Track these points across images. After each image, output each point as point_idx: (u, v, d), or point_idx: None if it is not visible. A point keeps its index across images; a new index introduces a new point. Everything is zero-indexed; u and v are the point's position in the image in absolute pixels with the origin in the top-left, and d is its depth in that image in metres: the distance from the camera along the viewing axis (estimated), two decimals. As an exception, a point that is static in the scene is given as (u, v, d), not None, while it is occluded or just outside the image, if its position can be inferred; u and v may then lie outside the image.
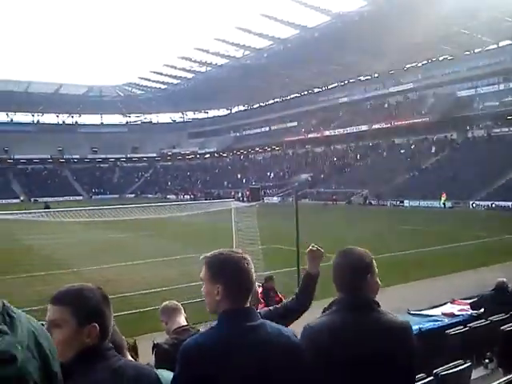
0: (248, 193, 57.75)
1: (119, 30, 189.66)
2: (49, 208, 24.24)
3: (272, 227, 20.60)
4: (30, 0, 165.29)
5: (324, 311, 2.39)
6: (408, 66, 64.37)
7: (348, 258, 2.24)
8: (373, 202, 46.18)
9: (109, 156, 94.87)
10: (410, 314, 7.82)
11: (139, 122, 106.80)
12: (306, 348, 2.02)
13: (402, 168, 50.77)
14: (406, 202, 43.17)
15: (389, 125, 59.48)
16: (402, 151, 56.36)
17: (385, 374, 2.08)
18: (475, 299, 7.37)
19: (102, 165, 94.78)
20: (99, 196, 78.43)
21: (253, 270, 1.98)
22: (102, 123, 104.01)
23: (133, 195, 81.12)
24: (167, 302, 3.63)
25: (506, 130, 48.71)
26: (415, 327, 6.75)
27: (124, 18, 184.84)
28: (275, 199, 55.09)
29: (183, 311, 3.58)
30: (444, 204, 39.02)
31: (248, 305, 1.98)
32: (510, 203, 35.84)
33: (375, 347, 2.07)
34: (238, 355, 1.79)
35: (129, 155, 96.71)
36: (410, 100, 63.01)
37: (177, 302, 3.63)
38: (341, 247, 2.33)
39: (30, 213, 17.72)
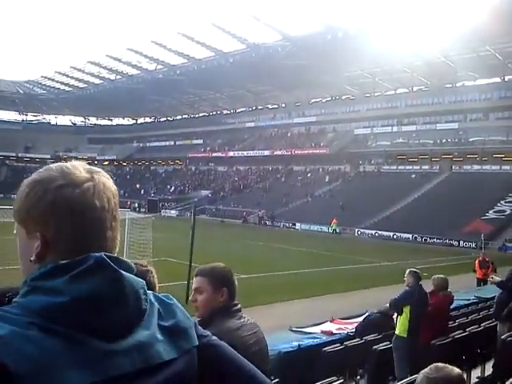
0: (145, 204, 56.47)
1: (27, 25, 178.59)
2: None
3: (166, 240, 20.29)
4: None
5: None
6: (313, 100, 67.78)
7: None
8: (267, 222, 47.48)
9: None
10: (291, 330, 8.06)
11: (36, 122, 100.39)
12: None
13: (297, 193, 52.87)
14: (298, 225, 44.93)
15: (289, 152, 61.95)
16: (299, 178, 58.73)
17: None
18: (361, 323, 7.65)
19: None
20: (-19, 194, 71.96)
21: (155, 284, 2.06)
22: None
23: (20, 197, 75.32)
24: None
25: (395, 167, 52.98)
26: (295, 343, 6.95)
27: (34, 13, 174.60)
28: (173, 212, 54.42)
29: None
30: (334, 230, 41.03)
31: None
32: (391, 233, 38.70)
33: None
34: None
35: (20, 154, 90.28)
36: (312, 132, 66.11)
37: None
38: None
39: None
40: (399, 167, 52.80)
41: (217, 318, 2.27)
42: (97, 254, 0.85)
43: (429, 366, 2.37)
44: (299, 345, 6.90)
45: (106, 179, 0.96)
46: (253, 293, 13.26)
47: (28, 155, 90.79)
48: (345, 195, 47.34)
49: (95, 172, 0.94)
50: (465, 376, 6.30)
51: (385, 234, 38.95)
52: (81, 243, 0.87)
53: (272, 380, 4.70)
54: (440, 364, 2.40)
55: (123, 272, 0.87)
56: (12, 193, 76.92)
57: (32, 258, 0.87)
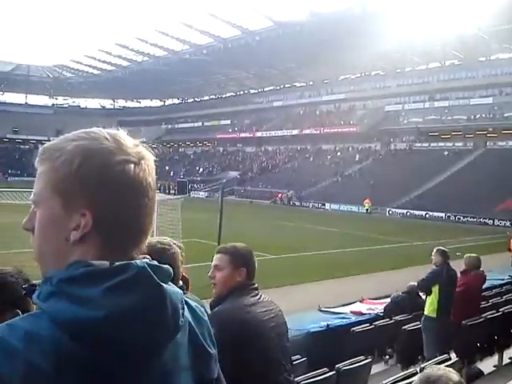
0: (175, 185, 57.04)
1: (55, 9, 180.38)
2: None
3: (195, 221, 20.47)
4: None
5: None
6: (342, 77, 66.57)
7: None
8: (296, 203, 47.34)
9: (30, 137, 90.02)
10: (320, 310, 8.05)
11: (66, 106, 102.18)
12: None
13: (326, 173, 52.38)
14: (328, 205, 44.59)
15: (318, 131, 61.25)
16: (328, 157, 58.13)
17: None
18: (389, 303, 7.62)
19: (21, 146, 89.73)
20: (16, 178, 74.14)
21: (178, 263, 2.06)
22: (26, 103, 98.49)
23: (53, 179, 77.34)
24: None
25: (427, 145, 51.78)
26: (323, 323, 6.93)
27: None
28: (202, 194, 54.83)
29: None
30: (367, 210, 40.61)
31: None
32: (423, 212, 38.01)
33: None
34: None
35: (51, 138, 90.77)
36: (341, 110, 65.14)
37: None
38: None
39: None
40: (431, 144, 51.55)
41: (233, 295, 2.35)
42: (138, 263, 0.78)
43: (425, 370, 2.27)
44: (328, 325, 6.88)
45: (149, 156, 0.89)
46: (282, 273, 13.31)
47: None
48: (375, 174, 46.64)
49: (141, 145, 0.88)
50: (496, 357, 6.21)
51: (417, 213, 38.28)
52: (123, 229, 0.80)
53: (299, 359, 4.71)
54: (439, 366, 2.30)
55: (164, 285, 0.80)
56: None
57: (73, 238, 0.78)
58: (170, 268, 0.86)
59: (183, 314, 0.84)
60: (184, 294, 0.86)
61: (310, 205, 45.98)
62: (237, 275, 2.38)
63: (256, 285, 2.46)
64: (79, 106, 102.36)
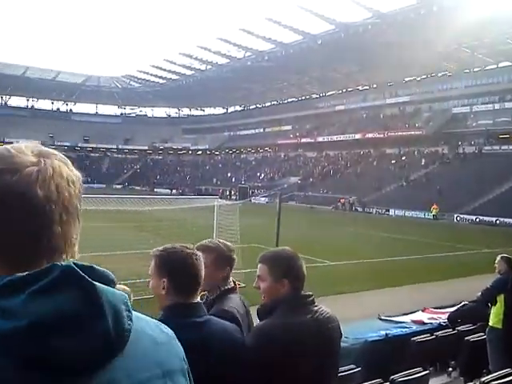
0: (236, 191, 57.81)
1: (122, 22, 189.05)
2: None
3: (255, 227, 20.56)
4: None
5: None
6: (407, 79, 64.89)
7: None
8: (358, 208, 46.44)
9: (100, 146, 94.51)
10: (380, 319, 7.80)
11: (134, 115, 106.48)
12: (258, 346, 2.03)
13: (390, 178, 51.05)
14: (392, 211, 43.39)
15: (382, 135, 59.89)
16: (392, 161, 56.67)
17: None
18: (455, 311, 7.30)
19: (92, 154, 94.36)
20: (86, 185, 75.76)
21: (202, 268, 1.95)
22: (96, 113, 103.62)
23: (120, 186, 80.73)
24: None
25: (497, 148, 49.16)
26: (382, 332, 6.71)
27: (129, 11, 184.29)
28: (263, 200, 55.11)
29: None
30: (434, 216, 39.18)
31: (196, 300, 1.94)
32: (493, 218, 36.13)
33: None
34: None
35: (120, 146, 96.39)
36: (406, 112, 63.41)
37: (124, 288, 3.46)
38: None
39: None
40: (502, 147, 48.80)
41: (279, 309, 2.18)
42: (63, 263, 0.70)
43: None
44: (386, 334, 6.65)
45: (59, 163, 0.79)
46: (341, 280, 13.06)
47: (127, 147, 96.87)
48: (442, 179, 44.86)
49: (46, 155, 0.78)
50: None
51: (486, 219, 36.41)
52: (24, 242, 0.71)
53: (356, 368, 4.57)
54: None
55: (98, 284, 0.71)
56: (114, 183, 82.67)
57: None
58: (110, 273, 0.77)
59: (131, 319, 0.75)
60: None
61: (374, 211, 44.99)
62: (279, 287, 2.22)
63: (311, 296, 2.27)
64: (146, 114, 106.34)
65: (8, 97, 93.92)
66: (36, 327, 0.64)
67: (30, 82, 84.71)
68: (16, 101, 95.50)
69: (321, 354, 2.17)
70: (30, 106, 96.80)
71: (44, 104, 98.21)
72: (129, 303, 0.76)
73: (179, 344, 0.91)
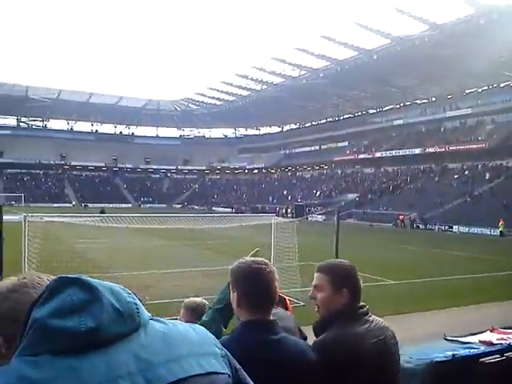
0: (292, 209, 57.67)
1: (180, 47, 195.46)
2: (104, 213, 24.80)
3: (312, 245, 20.42)
4: (98, 14, 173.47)
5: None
6: (467, 91, 62.90)
7: None
8: (420, 225, 45.07)
9: (160, 167, 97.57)
10: (445, 339, 7.51)
11: (192, 136, 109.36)
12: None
13: (453, 193, 49.26)
14: (455, 228, 41.73)
15: (443, 149, 58.10)
16: (455, 176, 54.74)
17: None
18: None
19: (153, 175, 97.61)
20: (147, 205, 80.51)
21: (275, 282, 1.90)
22: (157, 135, 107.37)
23: (180, 205, 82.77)
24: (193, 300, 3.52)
25: None
26: (449, 353, 6.45)
27: (186, 35, 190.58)
28: (319, 217, 54.62)
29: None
30: (501, 232, 37.40)
31: (270, 317, 1.90)
32: None
33: None
34: (254, 369, 1.68)
35: (179, 167, 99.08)
36: (468, 125, 61.30)
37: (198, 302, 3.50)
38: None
39: (89, 216, 18.38)
40: None
41: (338, 320, 2.15)
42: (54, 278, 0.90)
43: None
44: (453, 354, 6.38)
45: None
46: (404, 300, 12.69)
47: (186, 167, 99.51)
48: (508, 193, 42.67)
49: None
50: None
51: (560, 234, 34.37)
52: None
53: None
54: None
55: (86, 277, 0.87)
56: (174, 202, 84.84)
57: None
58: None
59: (133, 298, 0.89)
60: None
61: (436, 227, 43.48)
62: (338, 297, 2.18)
63: (365, 307, 2.25)
64: (204, 136, 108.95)
65: (74, 122, 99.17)
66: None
67: (94, 108, 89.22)
68: (81, 126, 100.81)
69: (381, 364, 2.15)
70: (94, 131, 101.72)
71: (107, 128, 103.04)
72: (122, 287, 0.90)
73: (209, 333, 1.01)
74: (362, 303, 2.27)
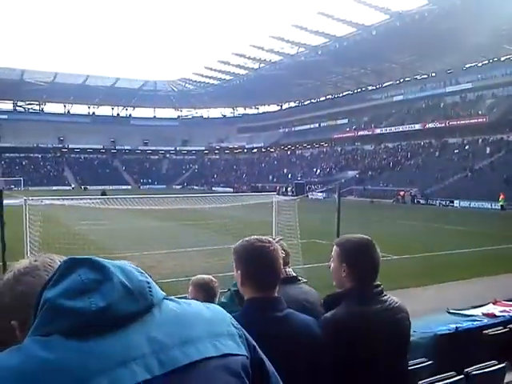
0: (292, 187, 57.71)
1: (176, 27, 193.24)
2: (105, 195, 24.63)
3: (314, 222, 20.46)
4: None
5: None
6: (467, 65, 62.35)
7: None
8: (421, 201, 45.13)
9: (159, 148, 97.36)
10: (448, 312, 7.54)
11: (190, 116, 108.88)
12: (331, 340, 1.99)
13: (454, 168, 49.25)
14: (456, 203, 41.82)
15: (443, 124, 57.87)
16: (455, 151, 54.61)
17: None
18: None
19: (151, 156, 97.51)
20: (147, 186, 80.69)
21: (279, 260, 1.91)
22: (154, 116, 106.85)
23: (179, 186, 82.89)
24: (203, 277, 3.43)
25: None
26: (452, 326, 6.47)
27: (181, 14, 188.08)
28: (320, 195, 54.70)
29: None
30: (502, 206, 37.46)
31: (275, 294, 1.91)
32: None
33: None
34: (260, 346, 1.71)
35: (178, 148, 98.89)
36: (467, 100, 60.92)
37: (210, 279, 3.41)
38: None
39: (90, 199, 18.35)
40: None
41: (349, 297, 2.17)
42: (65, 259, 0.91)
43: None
44: (457, 327, 6.41)
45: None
46: (406, 275, 12.74)
47: (185, 148, 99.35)
48: (509, 167, 42.70)
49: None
50: None
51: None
52: None
53: (426, 362, 4.44)
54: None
55: (95, 257, 0.87)
56: (174, 183, 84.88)
57: None
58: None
59: (145, 276, 0.88)
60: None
61: (437, 203, 43.58)
62: (355, 273, 2.19)
63: (379, 286, 2.24)
64: (202, 116, 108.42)
65: (70, 105, 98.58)
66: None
67: (90, 90, 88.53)
68: (78, 108, 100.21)
69: (394, 342, 2.15)
70: (91, 113, 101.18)
71: (104, 110, 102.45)
72: (134, 266, 0.90)
73: (225, 312, 0.99)
74: (378, 282, 2.26)
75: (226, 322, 0.96)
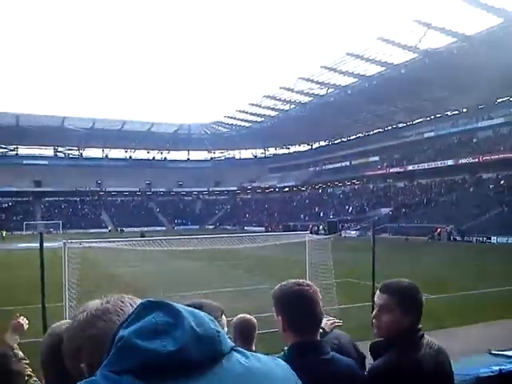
0: (324, 226, 57.26)
1: (210, 71, 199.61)
2: (144, 237, 25.00)
3: (348, 261, 20.26)
4: (130, 43, 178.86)
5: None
6: (499, 100, 61.77)
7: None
8: (457, 237, 44.11)
9: (192, 189, 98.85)
10: (490, 354, 7.32)
11: (223, 158, 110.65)
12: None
13: (489, 203, 48.10)
14: (493, 239, 40.63)
15: (476, 159, 56.90)
16: (490, 186, 53.45)
17: None
18: None
19: (185, 197, 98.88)
20: (181, 226, 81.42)
21: (319, 302, 1.89)
22: (188, 159, 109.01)
23: (212, 226, 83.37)
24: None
25: None
26: (495, 368, 6.28)
27: (214, 58, 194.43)
28: (353, 233, 54.02)
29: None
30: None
31: (317, 337, 1.90)
32: None
33: None
34: None
35: (211, 188, 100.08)
36: (500, 134, 59.97)
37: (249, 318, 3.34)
38: (421, 283, 2.26)
39: (129, 241, 18.78)
40: None
41: (399, 344, 2.08)
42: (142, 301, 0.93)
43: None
44: (500, 369, 6.22)
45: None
46: (445, 314, 12.39)
47: (218, 189, 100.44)
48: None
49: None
50: None
51: None
52: None
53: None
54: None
55: (170, 302, 0.89)
56: (207, 223, 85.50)
57: None
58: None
59: (216, 325, 0.89)
60: None
61: (473, 239, 42.43)
62: (406, 319, 2.10)
63: (421, 330, 2.17)
64: (234, 157, 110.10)
65: (108, 149, 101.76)
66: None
67: (127, 135, 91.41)
68: (115, 153, 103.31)
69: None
70: (128, 157, 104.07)
71: (141, 154, 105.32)
72: (206, 314, 0.91)
73: (291, 369, 0.98)
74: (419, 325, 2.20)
75: (292, 380, 0.96)
